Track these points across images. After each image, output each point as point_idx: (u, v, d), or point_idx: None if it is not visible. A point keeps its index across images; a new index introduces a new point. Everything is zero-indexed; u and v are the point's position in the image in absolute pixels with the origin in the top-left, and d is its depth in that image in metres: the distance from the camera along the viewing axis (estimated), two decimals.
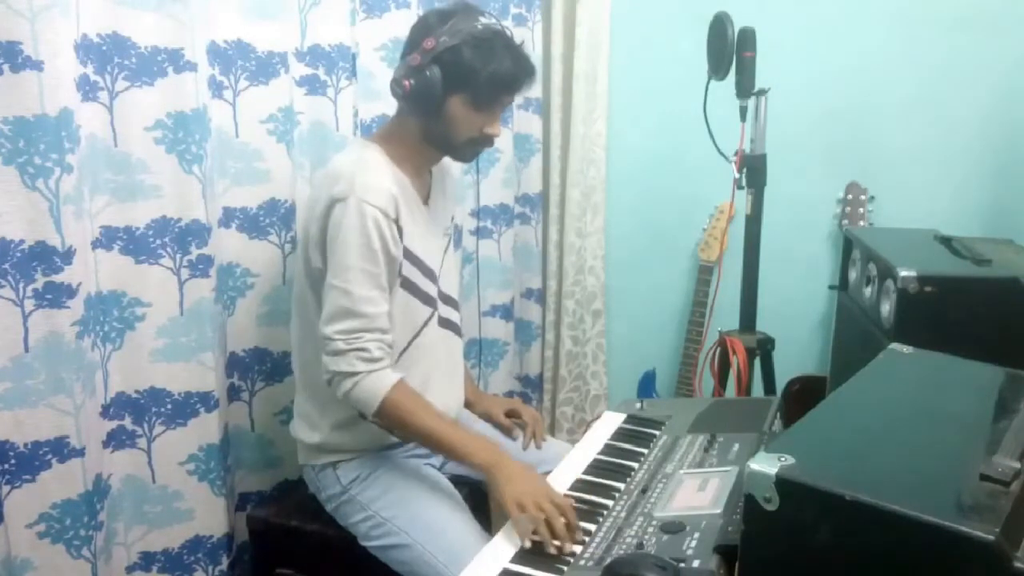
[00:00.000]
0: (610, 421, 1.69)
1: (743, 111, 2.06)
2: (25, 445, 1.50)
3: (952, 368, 1.24)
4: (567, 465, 1.52)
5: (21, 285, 1.45)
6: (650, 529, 1.23)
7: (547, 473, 1.54)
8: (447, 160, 1.76)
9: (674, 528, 1.20)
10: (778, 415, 1.65)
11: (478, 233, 2.50)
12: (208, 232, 1.72)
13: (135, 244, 1.66)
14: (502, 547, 1.30)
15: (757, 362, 2.18)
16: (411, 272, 1.62)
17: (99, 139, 1.59)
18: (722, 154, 2.11)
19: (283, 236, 1.93)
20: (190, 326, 1.73)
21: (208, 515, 1.82)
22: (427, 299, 1.66)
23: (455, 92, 1.55)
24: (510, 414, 1.87)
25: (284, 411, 1.99)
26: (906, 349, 1.30)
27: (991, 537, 0.76)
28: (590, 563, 1.18)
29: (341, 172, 1.56)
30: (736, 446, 1.48)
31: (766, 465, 0.88)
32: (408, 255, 1.60)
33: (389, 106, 1.70)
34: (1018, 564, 0.76)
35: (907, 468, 0.94)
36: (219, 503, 1.82)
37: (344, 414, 1.61)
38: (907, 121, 2.47)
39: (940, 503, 0.84)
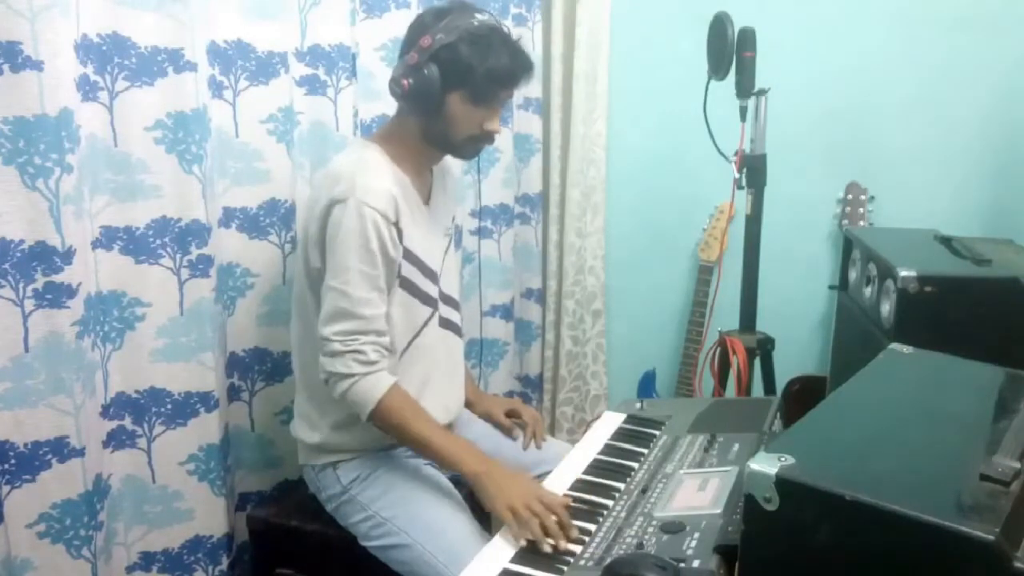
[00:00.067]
0: (610, 421, 1.69)
1: (743, 111, 2.06)
2: (25, 445, 1.50)
3: (952, 368, 1.24)
4: (567, 465, 1.52)
5: (21, 285, 1.45)
6: (650, 529, 1.23)
7: (547, 473, 1.54)
8: (448, 159, 1.76)
9: (674, 528, 1.20)
10: (778, 415, 1.65)
11: (478, 233, 2.50)
12: (208, 232, 1.72)
13: (135, 244, 1.66)
14: (502, 547, 1.30)
15: (757, 362, 2.18)
16: (411, 272, 1.62)
17: (99, 139, 1.59)
18: (722, 154, 2.11)
19: (283, 236, 1.93)
20: (190, 326, 1.73)
21: (208, 515, 1.82)
22: (427, 299, 1.66)
23: (454, 89, 1.55)
24: (510, 414, 1.88)
25: (284, 411, 1.99)
26: (906, 349, 1.30)
27: (991, 537, 0.76)
28: (590, 563, 1.18)
29: (341, 173, 1.56)
30: (736, 446, 1.48)
31: (766, 465, 0.88)
32: (408, 255, 1.60)
33: (389, 106, 1.70)
34: (1018, 564, 0.76)
35: (907, 468, 0.94)
36: (219, 503, 1.82)
37: (344, 414, 1.61)
38: (907, 121, 2.47)
39: (940, 503, 0.84)
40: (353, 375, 1.51)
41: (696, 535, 1.17)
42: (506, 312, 2.62)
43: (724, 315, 2.35)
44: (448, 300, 1.75)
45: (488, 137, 1.64)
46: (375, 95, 2.03)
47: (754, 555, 0.92)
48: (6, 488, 1.50)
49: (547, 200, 2.69)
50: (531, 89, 2.56)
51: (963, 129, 2.44)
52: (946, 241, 1.82)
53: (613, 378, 2.79)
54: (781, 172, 2.19)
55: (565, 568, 1.20)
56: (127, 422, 1.72)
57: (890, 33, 2.44)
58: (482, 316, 2.56)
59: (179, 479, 1.78)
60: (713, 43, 2.07)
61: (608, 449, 1.57)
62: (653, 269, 2.76)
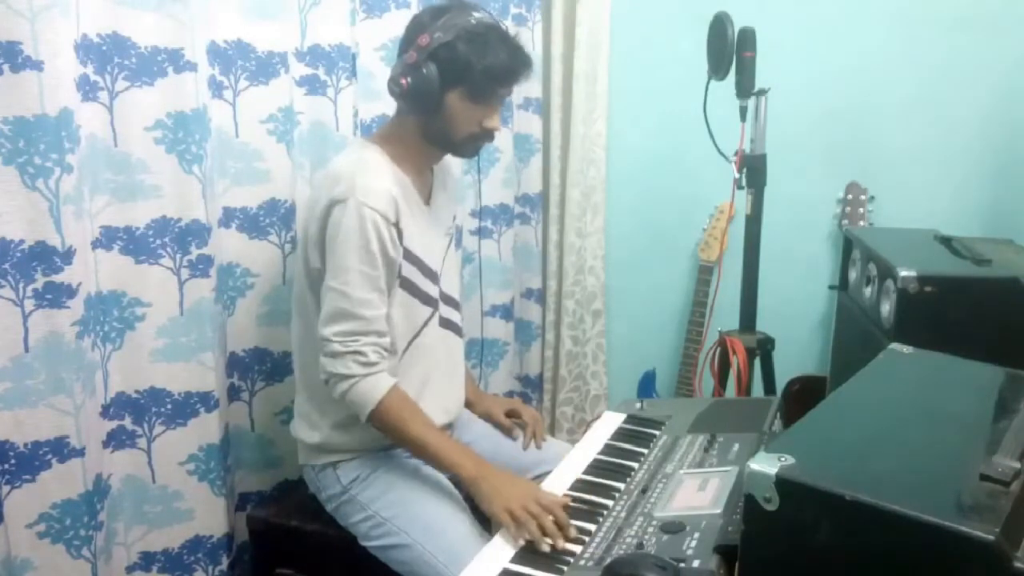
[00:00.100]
0: (610, 421, 1.68)
1: (743, 111, 2.06)
2: (25, 445, 1.50)
3: (952, 368, 1.24)
4: (567, 465, 1.52)
5: (21, 285, 1.45)
6: (650, 529, 1.23)
7: (547, 473, 1.54)
8: (448, 159, 1.76)
9: (674, 528, 1.20)
10: (778, 415, 1.65)
11: (478, 233, 2.50)
12: (208, 232, 1.72)
13: (135, 244, 1.66)
14: (502, 547, 1.30)
15: (757, 362, 2.18)
16: (411, 273, 1.62)
17: (99, 139, 1.59)
18: (722, 154, 2.11)
19: (283, 236, 1.93)
20: (190, 326, 1.73)
21: (208, 515, 1.82)
22: (428, 300, 1.66)
23: (452, 87, 1.55)
24: (510, 414, 1.87)
25: (284, 411, 1.99)
26: (906, 349, 1.30)
27: (991, 537, 0.76)
28: (590, 563, 1.18)
29: (341, 173, 1.56)
30: (736, 446, 1.48)
31: (766, 465, 0.88)
32: (408, 256, 1.60)
33: (389, 106, 1.70)
34: (1018, 564, 0.76)
35: (907, 468, 0.94)
36: (219, 503, 1.82)
37: (344, 414, 1.61)
38: (907, 121, 2.47)
39: (940, 503, 0.84)
40: (353, 376, 1.51)
41: (696, 535, 1.17)
42: (506, 312, 2.62)
43: (724, 315, 2.35)
44: (448, 300, 1.74)
45: (488, 135, 1.64)
46: (375, 95, 2.03)
47: (754, 555, 0.92)
48: (6, 488, 1.50)
49: (547, 200, 2.69)
50: (531, 89, 2.56)
51: (963, 129, 2.44)
52: (946, 241, 1.82)
53: (613, 378, 2.79)
54: (781, 172, 2.19)
55: (565, 568, 1.20)
56: (127, 422, 1.72)
57: (890, 33, 2.44)
58: (482, 316, 2.56)
59: (179, 479, 1.78)
60: (713, 43, 2.07)
61: (608, 449, 1.57)
62: (653, 269, 2.76)
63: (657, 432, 1.62)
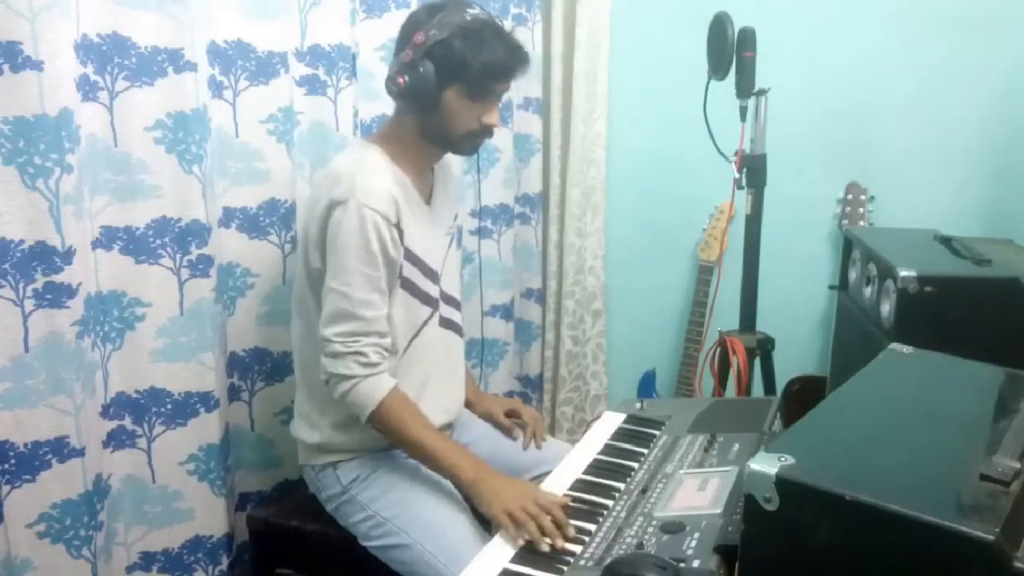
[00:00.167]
0: (610, 421, 1.68)
1: (743, 111, 2.06)
2: (25, 445, 1.50)
3: (952, 368, 1.24)
4: (567, 465, 1.52)
5: (21, 285, 1.45)
6: (650, 529, 1.23)
7: (547, 473, 1.54)
8: (448, 158, 1.76)
9: (674, 528, 1.20)
10: (778, 415, 1.64)
11: (478, 233, 2.50)
12: (208, 232, 1.72)
13: (135, 244, 1.66)
14: (502, 547, 1.31)
15: (757, 362, 2.18)
16: (412, 273, 1.62)
17: (99, 139, 1.59)
18: (722, 154, 2.11)
19: (283, 236, 1.93)
20: (190, 326, 1.73)
21: (208, 515, 1.82)
22: (428, 299, 1.66)
23: (449, 84, 1.55)
24: (510, 414, 1.87)
25: (284, 411, 1.99)
26: (906, 349, 1.30)
27: (991, 537, 0.76)
28: (590, 563, 1.18)
29: (341, 174, 1.56)
30: (736, 446, 1.47)
31: (766, 465, 0.88)
32: (409, 256, 1.60)
33: (389, 106, 1.70)
34: (1018, 564, 0.76)
35: (907, 468, 0.94)
36: (219, 503, 1.82)
37: (344, 414, 1.61)
38: (907, 121, 2.47)
39: (940, 503, 0.84)
40: (354, 377, 1.51)
41: (696, 535, 1.17)
42: (506, 312, 2.62)
43: (724, 315, 2.35)
44: (449, 299, 1.74)
45: (487, 132, 1.64)
46: (375, 95, 2.03)
47: (754, 555, 0.92)
48: (6, 488, 1.50)
49: (547, 200, 2.69)
50: (531, 89, 2.56)
51: (963, 129, 2.44)
52: (946, 241, 1.82)
53: (613, 378, 2.79)
54: (781, 172, 2.19)
55: (565, 568, 1.20)
56: (127, 422, 1.72)
57: (890, 33, 2.44)
58: (482, 316, 2.56)
59: (179, 479, 1.78)
60: (713, 43, 2.07)
61: (608, 449, 1.57)
62: (653, 269, 2.76)
63: (657, 432, 1.61)
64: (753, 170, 2.09)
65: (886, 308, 1.65)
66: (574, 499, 1.39)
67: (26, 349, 1.47)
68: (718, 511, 1.23)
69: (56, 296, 1.47)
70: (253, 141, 1.86)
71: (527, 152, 2.62)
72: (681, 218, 2.67)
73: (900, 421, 1.07)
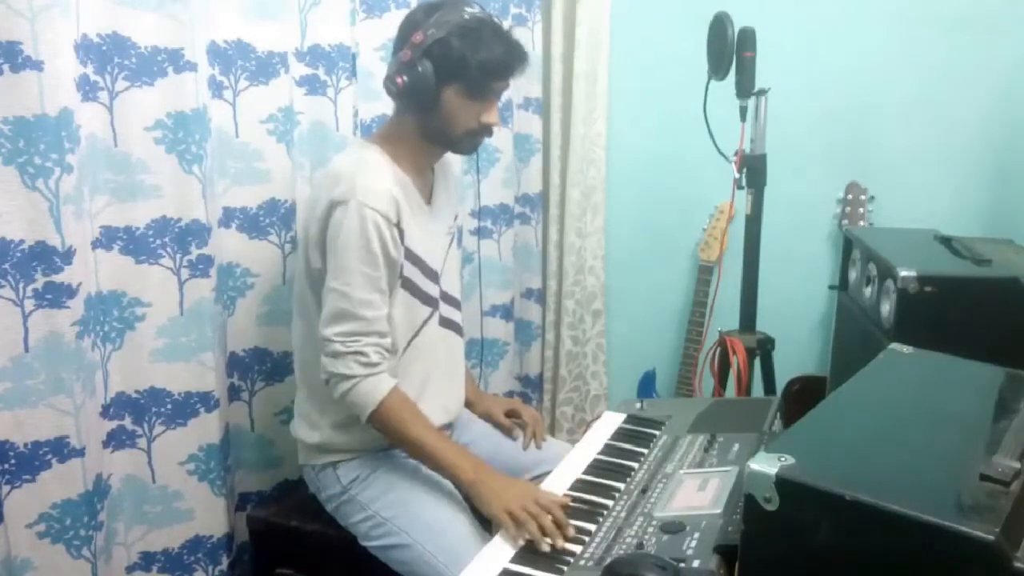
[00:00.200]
0: (610, 421, 1.68)
1: (743, 111, 2.06)
2: (25, 445, 1.50)
3: (952, 368, 1.24)
4: (567, 465, 1.52)
5: (21, 285, 1.45)
6: (650, 529, 1.23)
7: (547, 473, 1.54)
8: (449, 158, 1.76)
9: (674, 528, 1.20)
10: (778, 415, 1.65)
11: (478, 233, 2.50)
12: (208, 232, 1.72)
13: (135, 244, 1.66)
14: (502, 547, 1.31)
15: (757, 362, 2.18)
16: (412, 272, 1.62)
17: (99, 139, 1.59)
18: (722, 154, 2.11)
19: (283, 236, 1.93)
20: (190, 326, 1.73)
21: (208, 515, 1.82)
22: (428, 299, 1.66)
23: (448, 83, 1.54)
24: (510, 414, 1.87)
25: (284, 411, 1.99)
26: (906, 349, 1.30)
27: (991, 537, 0.76)
28: (590, 563, 1.18)
29: (341, 174, 1.56)
30: (736, 446, 1.47)
31: (766, 465, 0.88)
32: (409, 255, 1.60)
33: (389, 106, 1.70)
34: (1018, 564, 0.76)
35: (907, 468, 0.94)
36: (219, 503, 1.82)
37: (344, 414, 1.61)
38: (907, 121, 2.47)
39: (940, 503, 0.84)
40: (355, 376, 1.51)
41: (696, 535, 1.17)
42: (506, 312, 2.62)
43: (724, 315, 2.35)
44: (449, 299, 1.74)
45: (486, 130, 1.63)
46: (375, 95, 2.03)
47: (754, 555, 0.92)
48: (6, 488, 1.50)
49: (547, 200, 2.69)
50: (531, 89, 2.56)
51: (963, 129, 2.44)
52: (946, 241, 1.82)
53: (613, 378, 2.79)
54: (781, 172, 2.19)
55: (565, 568, 1.20)
56: (127, 422, 1.72)
57: (890, 33, 2.44)
58: (482, 316, 2.56)
59: (179, 479, 1.78)
60: (713, 43, 2.07)
61: (608, 449, 1.57)
62: (653, 269, 2.76)
63: (657, 432, 1.61)
64: (753, 170, 2.09)
65: (886, 308, 1.65)
66: (574, 499, 1.39)
67: (26, 349, 1.47)
68: (718, 511, 1.23)
69: (56, 296, 1.47)
70: (253, 141, 1.86)
71: (527, 152, 2.62)
72: (681, 218, 2.67)
73: (900, 421, 1.07)
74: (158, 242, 1.68)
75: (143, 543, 1.78)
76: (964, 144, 2.45)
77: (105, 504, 1.66)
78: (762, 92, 2.04)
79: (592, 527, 1.29)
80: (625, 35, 2.59)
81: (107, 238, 1.64)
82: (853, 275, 1.93)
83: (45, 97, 1.40)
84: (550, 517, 1.31)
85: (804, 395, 2.41)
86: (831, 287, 2.30)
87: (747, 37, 2.00)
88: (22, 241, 1.44)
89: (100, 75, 1.58)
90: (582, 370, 2.75)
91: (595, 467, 1.51)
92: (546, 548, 1.27)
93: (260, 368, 1.97)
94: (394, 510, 1.58)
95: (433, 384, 1.69)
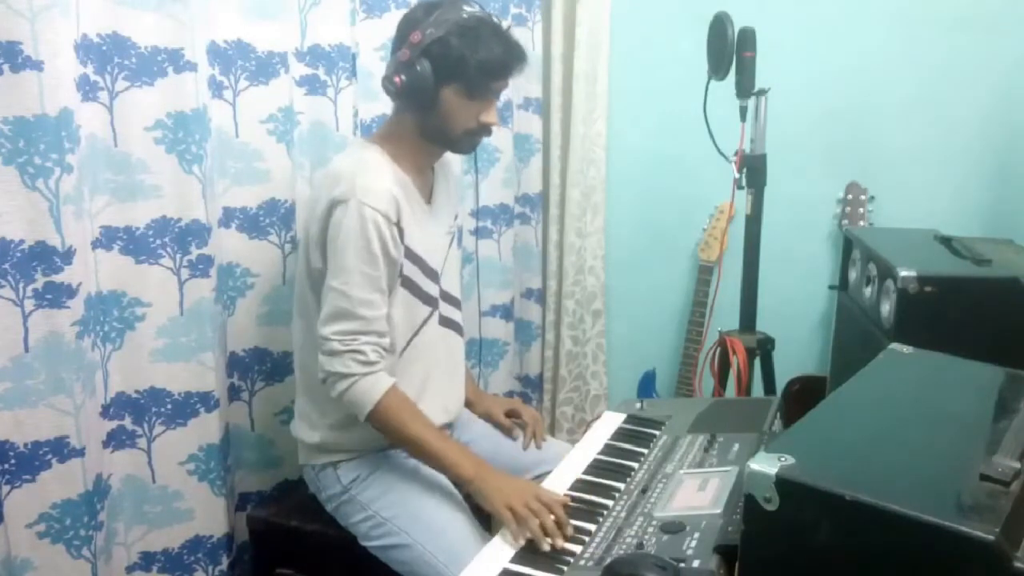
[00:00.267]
0: (610, 421, 1.69)
1: (743, 111, 2.06)
2: (25, 445, 1.50)
3: (952, 368, 1.24)
4: (567, 465, 1.52)
5: (21, 285, 1.45)
6: (650, 529, 1.23)
7: (547, 473, 1.54)
8: (449, 158, 1.76)
9: (674, 528, 1.20)
10: (778, 415, 1.65)
11: (478, 233, 2.50)
12: (208, 232, 1.72)
13: (135, 244, 1.66)
14: (502, 547, 1.31)
15: (757, 362, 2.18)
16: (412, 272, 1.62)
17: (99, 139, 1.59)
18: (722, 154, 2.11)
19: (283, 236, 1.93)
20: (190, 326, 1.73)
21: (208, 515, 1.82)
22: (428, 299, 1.66)
23: (447, 83, 1.54)
24: (510, 414, 1.87)
25: (284, 411, 1.99)
26: (906, 349, 1.30)
27: (991, 537, 0.76)
28: (590, 563, 1.18)
29: (341, 173, 1.56)
30: (736, 446, 1.48)
31: (766, 465, 0.88)
32: (409, 255, 1.60)
33: (389, 106, 1.70)
34: (1018, 564, 0.76)
35: (907, 468, 0.94)
36: (219, 503, 1.82)
37: (344, 414, 1.61)
38: (907, 121, 2.47)
39: (940, 503, 0.84)
40: (352, 375, 1.51)
41: (696, 535, 1.17)
42: (506, 312, 2.62)
43: (724, 315, 2.35)
44: (449, 298, 1.74)
45: (485, 130, 1.63)
46: (375, 95, 2.02)
47: (754, 555, 0.92)
48: (6, 488, 1.50)
49: (547, 200, 2.69)
50: (531, 89, 2.56)
51: (963, 129, 2.44)
52: (946, 241, 1.82)
53: (613, 378, 2.79)
54: (781, 172, 2.18)
55: (565, 568, 1.20)
56: (127, 422, 1.72)
57: (890, 33, 2.44)
58: (482, 316, 2.56)
59: (179, 479, 1.78)
60: (713, 43, 2.07)
61: (608, 449, 1.57)
62: (653, 269, 2.76)
63: (657, 432, 1.62)
64: (753, 170, 2.09)
65: (886, 308, 1.65)
66: (574, 499, 1.39)
67: (26, 349, 1.47)
68: (718, 511, 1.23)
69: (56, 296, 1.47)
70: (253, 141, 1.86)
71: (527, 152, 2.62)
72: (681, 218, 2.67)
73: (900, 421, 1.07)
74: (158, 242, 1.68)
75: (143, 543, 1.78)
76: (964, 144, 2.45)
77: (105, 504, 1.66)
78: (762, 92, 2.04)
79: (592, 527, 1.30)
80: (625, 35, 2.58)
81: (107, 238, 1.64)
82: (853, 275, 1.93)
83: (45, 97, 1.40)
84: (552, 517, 1.31)
85: (804, 395, 2.41)
86: (831, 287, 2.30)
87: (747, 37, 2.00)
88: (22, 241, 1.44)
89: (100, 75, 1.58)
90: (582, 370, 2.75)
91: (595, 467, 1.51)
92: (546, 547, 1.27)
93: (260, 368, 1.97)
94: (394, 510, 1.58)
95: (433, 384, 1.69)
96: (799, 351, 2.57)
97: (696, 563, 1.10)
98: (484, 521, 1.59)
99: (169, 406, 1.74)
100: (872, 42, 2.45)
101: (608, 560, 1.13)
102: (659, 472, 1.43)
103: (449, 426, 1.76)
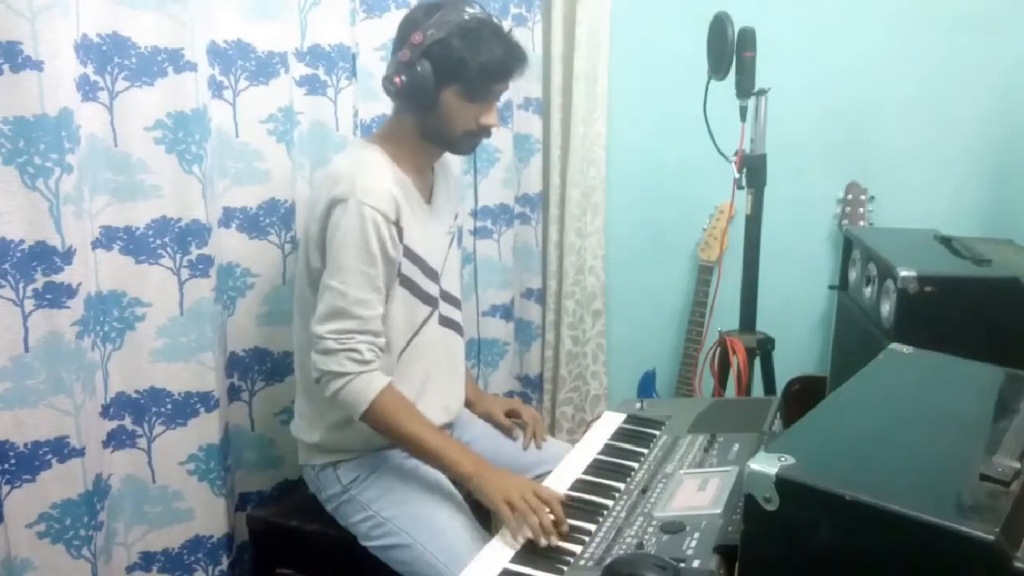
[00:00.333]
0: (610, 421, 1.69)
1: (743, 111, 2.06)
2: (25, 445, 1.50)
3: (952, 368, 1.24)
4: (567, 465, 1.52)
5: (21, 285, 1.45)
6: (650, 529, 1.23)
7: (547, 473, 1.54)
8: (449, 158, 1.76)
9: (674, 528, 1.20)
10: (778, 415, 1.65)
11: (477, 233, 2.50)
12: (208, 232, 1.72)
13: (135, 244, 1.66)
14: (502, 547, 1.31)
15: (757, 362, 2.18)
16: (411, 271, 1.62)
17: (99, 139, 1.59)
18: (722, 154, 2.11)
19: (283, 236, 1.93)
20: (190, 326, 1.73)
21: (208, 515, 1.82)
22: (427, 299, 1.66)
23: (447, 84, 1.54)
24: (510, 414, 1.87)
25: (284, 411, 1.99)
26: (906, 349, 1.30)
27: (991, 537, 0.76)
28: (590, 563, 1.18)
29: (341, 173, 1.56)
30: (736, 446, 1.48)
31: (766, 465, 0.88)
32: (409, 255, 1.60)
33: (389, 106, 1.70)
34: (1018, 564, 0.76)
35: (907, 468, 0.94)
36: (219, 503, 1.82)
37: (343, 414, 1.61)
38: (907, 121, 2.47)
39: (940, 503, 0.84)
40: (347, 374, 1.51)
41: (696, 535, 1.17)
42: (506, 312, 2.62)
43: (724, 315, 2.35)
44: (449, 298, 1.74)
45: (485, 131, 1.63)
46: (375, 95, 2.02)
47: (754, 555, 0.92)
48: (6, 488, 1.50)
49: (547, 200, 2.69)
50: (531, 89, 2.56)
51: (963, 129, 2.44)
52: (946, 241, 1.82)
53: (613, 378, 2.79)
54: (781, 172, 2.19)
55: (565, 568, 1.20)
56: (127, 422, 1.72)
57: (890, 33, 2.44)
58: (481, 316, 2.56)
59: (179, 479, 1.78)
60: (713, 43, 2.07)
61: (608, 449, 1.57)
62: (653, 269, 2.76)
63: (657, 432, 1.62)
64: (753, 170, 2.09)
65: (886, 308, 1.65)
66: (574, 499, 1.39)
67: (26, 349, 1.47)
68: (718, 511, 1.23)
69: (56, 296, 1.47)
70: (253, 141, 1.86)
71: (527, 152, 2.62)
72: (681, 218, 2.67)
73: (900, 421, 1.07)
74: (158, 242, 1.68)
75: (143, 543, 1.78)
76: (964, 144, 2.45)
77: (105, 504, 1.66)
78: (762, 92, 2.04)
79: (592, 527, 1.30)
80: (625, 35, 2.59)
81: (107, 238, 1.64)
82: (853, 275, 1.93)
83: (45, 97, 1.40)
84: (551, 516, 1.31)
85: (804, 395, 2.41)
86: (831, 287, 2.30)
87: (747, 37, 2.00)
88: (22, 241, 1.44)
89: (100, 75, 1.58)
90: (582, 370, 2.75)
91: (595, 467, 1.51)
92: (544, 543, 1.27)
93: (260, 368, 1.97)
94: (394, 510, 1.58)
95: (433, 383, 1.68)
96: (799, 351, 2.57)
97: (696, 563, 1.10)
98: (484, 521, 1.59)
99: (169, 406, 1.74)
100: (872, 42, 2.45)
101: (608, 560, 1.13)
102: (659, 472, 1.43)
103: (449, 426, 1.76)
